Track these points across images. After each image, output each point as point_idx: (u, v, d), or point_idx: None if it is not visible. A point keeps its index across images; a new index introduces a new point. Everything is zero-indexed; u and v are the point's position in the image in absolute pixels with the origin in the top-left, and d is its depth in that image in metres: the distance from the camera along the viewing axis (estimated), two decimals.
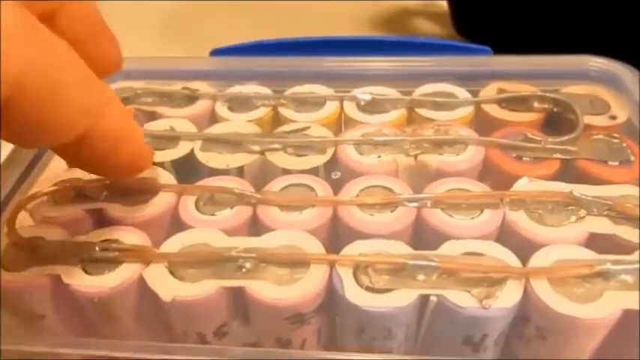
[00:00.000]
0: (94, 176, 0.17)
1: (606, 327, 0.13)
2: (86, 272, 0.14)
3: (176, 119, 0.19)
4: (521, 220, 0.15)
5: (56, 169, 0.18)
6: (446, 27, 0.34)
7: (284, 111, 0.19)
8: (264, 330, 0.14)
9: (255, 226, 0.16)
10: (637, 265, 0.13)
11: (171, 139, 0.18)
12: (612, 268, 0.13)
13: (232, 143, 0.18)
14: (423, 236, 0.15)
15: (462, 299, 0.13)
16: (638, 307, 0.13)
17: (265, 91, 0.20)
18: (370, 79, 0.20)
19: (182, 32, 0.37)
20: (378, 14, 0.37)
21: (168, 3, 0.40)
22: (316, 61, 0.21)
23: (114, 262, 0.14)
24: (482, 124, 0.19)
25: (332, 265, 0.14)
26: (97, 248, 0.14)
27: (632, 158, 0.17)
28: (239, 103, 0.20)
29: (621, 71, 0.19)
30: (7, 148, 0.18)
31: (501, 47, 0.21)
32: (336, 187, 0.16)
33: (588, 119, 0.18)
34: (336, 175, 0.17)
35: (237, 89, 0.20)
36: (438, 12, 0.35)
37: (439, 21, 0.35)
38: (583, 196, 0.15)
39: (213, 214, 0.16)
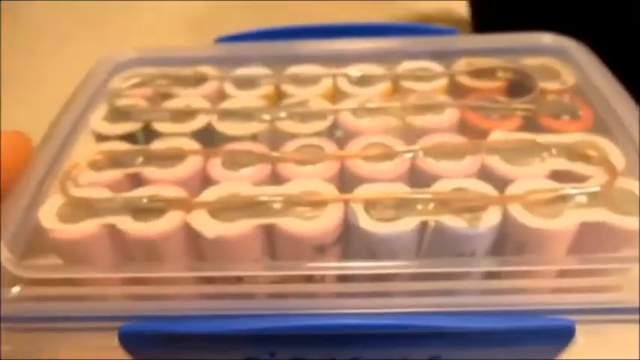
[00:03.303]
0: (127, 146, 0.19)
1: (568, 236, 0.16)
2: (136, 220, 0.16)
3: (190, 97, 0.22)
4: (496, 163, 0.18)
5: (85, 146, 0.20)
6: None
7: (286, 87, 0.22)
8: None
9: (275, 180, 0.18)
10: (590, 189, 0.17)
11: (189, 114, 0.21)
12: (571, 192, 0.17)
13: (245, 114, 0.21)
14: (417, 179, 0.18)
15: (455, 222, 0.16)
16: (592, 220, 0.16)
17: (267, 71, 0.23)
18: (356, 58, 0.23)
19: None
20: None
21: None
22: (309, 44, 0.24)
23: (160, 211, 0.17)
24: (456, 92, 0.22)
25: (346, 202, 0.17)
26: (144, 200, 0.17)
27: (580, 113, 0.21)
28: (245, 83, 0.22)
29: (567, 44, 0.23)
30: None
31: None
32: (340, 145, 0.19)
33: (543, 85, 0.22)
34: (338, 133, 0.20)
35: (241, 71, 0.23)
36: None
37: None
38: (545, 142, 0.19)
39: (238, 171, 0.18)
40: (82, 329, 0.14)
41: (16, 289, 0.14)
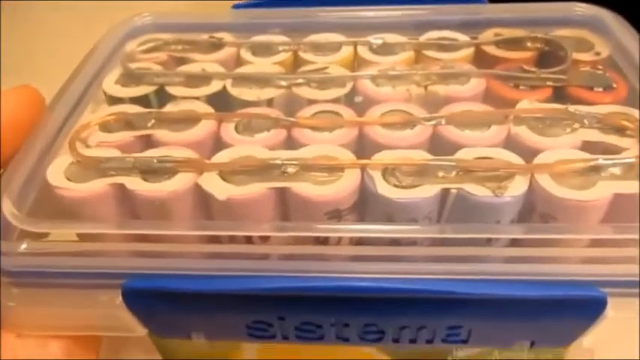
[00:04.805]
0: (139, 109, 0.19)
1: (600, 209, 0.15)
2: (146, 181, 0.16)
3: (206, 63, 0.21)
4: (524, 133, 0.17)
5: (98, 109, 0.20)
6: None
7: (304, 55, 0.21)
8: None
9: (290, 145, 0.18)
10: (624, 160, 0.16)
11: (204, 78, 0.20)
12: (603, 163, 0.16)
13: (261, 80, 0.20)
14: (439, 148, 0.17)
15: (478, 190, 0.15)
16: (625, 191, 0.15)
17: (285, 39, 0.22)
18: (379, 27, 0.22)
19: None
20: None
21: None
22: (330, 11, 0.23)
23: (171, 172, 0.16)
24: (482, 62, 0.21)
25: (363, 168, 0.16)
26: (154, 161, 0.16)
27: (615, 85, 0.19)
28: (262, 49, 0.22)
29: (603, 15, 0.22)
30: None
31: None
32: (358, 112, 0.18)
33: (575, 55, 0.21)
34: (358, 99, 0.19)
35: (259, 38, 0.22)
36: None
37: None
38: (577, 111, 0.18)
39: (252, 136, 0.18)
40: (85, 286, 0.13)
41: (19, 244, 0.14)
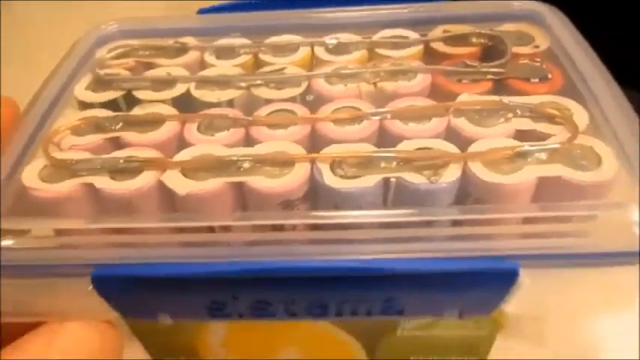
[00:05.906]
0: (108, 113, 0.20)
1: (527, 191, 0.17)
2: (113, 180, 0.17)
3: (171, 67, 0.22)
4: (462, 124, 0.19)
5: (71, 114, 0.21)
6: None
7: (264, 57, 0.23)
8: None
9: (248, 143, 0.19)
10: (549, 146, 0.17)
11: (169, 82, 0.21)
12: (529, 149, 0.17)
13: (222, 82, 0.21)
14: (385, 141, 0.19)
15: (415, 178, 0.17)
16: (548, 174, 0.17)
17: (247, 41, 0.23)
18: (336, 27, 0.24)
19: None
20: None
21: None
22: (289, 14, 0.24)
23: (136, 171, 0.17)
24: (431, 58, 0.23)
25: (313, 162, 0.17)
26: (121, 161, 0.18)
27: (550, 76, 0.21)
28: (224, 53, 0.23)
29: (542, 9, 0.23)
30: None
31: None
32: (312, 109, 0.20)
33: (516, 49, 0.22)
34: (309, 97, 0.21)
35: (222, 41, 0.24)
36: None
37: None
38: (511, 102, 0.19)
39: (212, 135, 0.19)
40: (60, 275, 0.15)
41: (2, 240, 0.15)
